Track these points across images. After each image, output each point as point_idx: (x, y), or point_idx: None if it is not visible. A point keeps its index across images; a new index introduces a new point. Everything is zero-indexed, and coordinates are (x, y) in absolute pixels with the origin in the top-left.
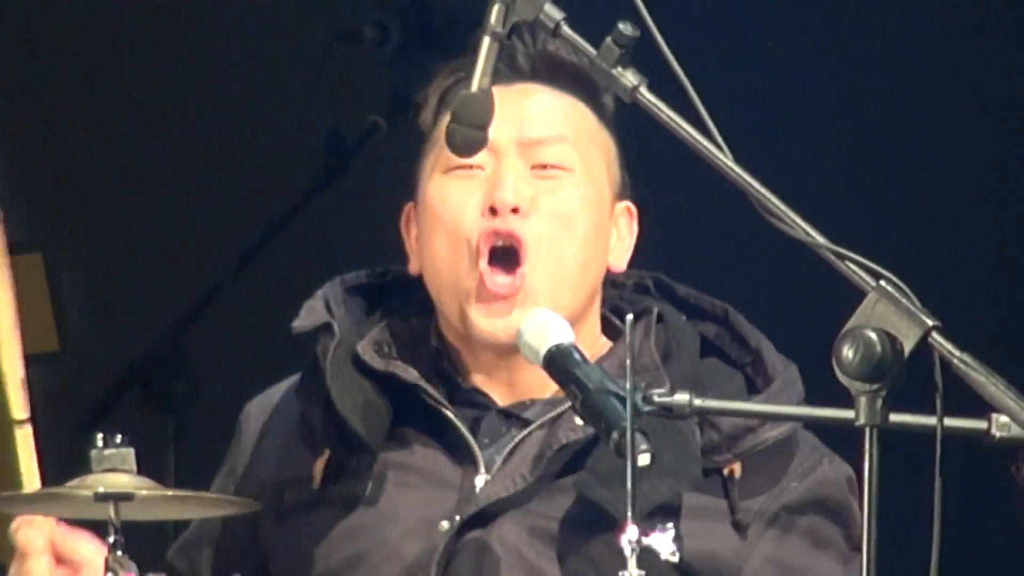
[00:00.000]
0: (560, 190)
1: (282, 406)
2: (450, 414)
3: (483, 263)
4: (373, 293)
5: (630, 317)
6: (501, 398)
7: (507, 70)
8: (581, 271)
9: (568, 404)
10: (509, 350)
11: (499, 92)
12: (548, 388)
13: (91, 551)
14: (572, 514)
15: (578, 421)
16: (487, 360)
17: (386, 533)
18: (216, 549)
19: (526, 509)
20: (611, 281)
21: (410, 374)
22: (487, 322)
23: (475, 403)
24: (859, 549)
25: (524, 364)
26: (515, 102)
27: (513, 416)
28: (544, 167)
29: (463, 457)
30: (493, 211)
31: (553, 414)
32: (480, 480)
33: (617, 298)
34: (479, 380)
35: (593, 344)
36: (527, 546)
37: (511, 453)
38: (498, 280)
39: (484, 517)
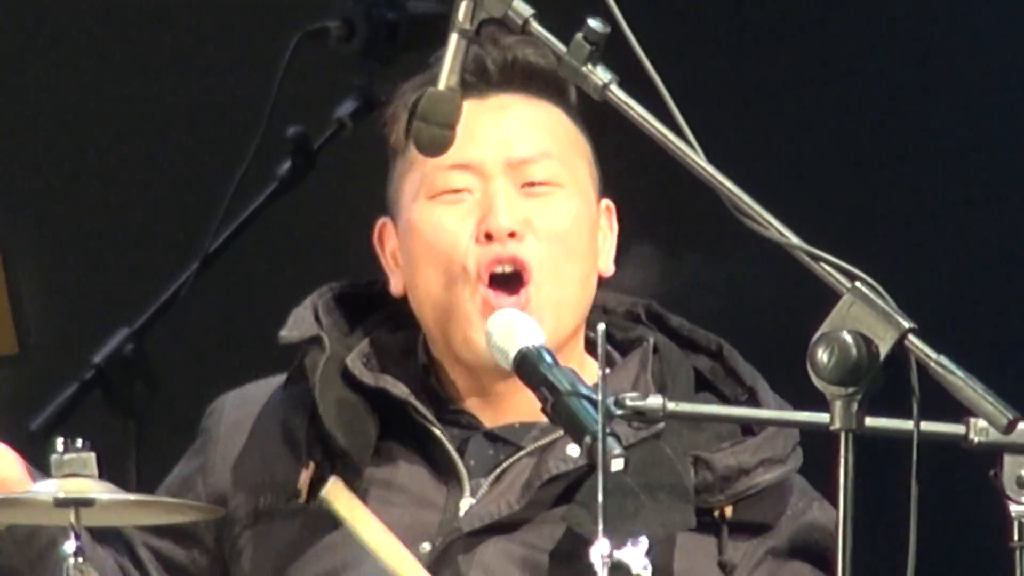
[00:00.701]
0: (553, 207)
1: (262, 409)
2: (438, 433)
3: (483, 288)
4: (361, 302)
5: (601, 327)
6: (488, 419)
7: (479, 81)
8: (582, 286)
9: (559, 432)
10: (508, 372)
11: (475, 107)
12: (535, 412)
13: (13, 470)
14: (561, 546)
15: (569, 451)
16: (481, 382)
17: (363, 550)
18: (179, 536)
19: (511, 536)
20: (601, 307)
21: (400, 389)
22: (484, 342)
23: (462, 423)
24: None
25: (517, 387)
26: (495, 119)
27: (500, 439)
28: (533, 184)
29: (448, 478)
30: (488, 236)
31: (544, 442)
32: (465, 503)
33: (609, 325)
34: (467, 400)
35: (579, 367)
36: (509, 573)
37: (499, 478)
38: (503, 301)
39: (467, 542)
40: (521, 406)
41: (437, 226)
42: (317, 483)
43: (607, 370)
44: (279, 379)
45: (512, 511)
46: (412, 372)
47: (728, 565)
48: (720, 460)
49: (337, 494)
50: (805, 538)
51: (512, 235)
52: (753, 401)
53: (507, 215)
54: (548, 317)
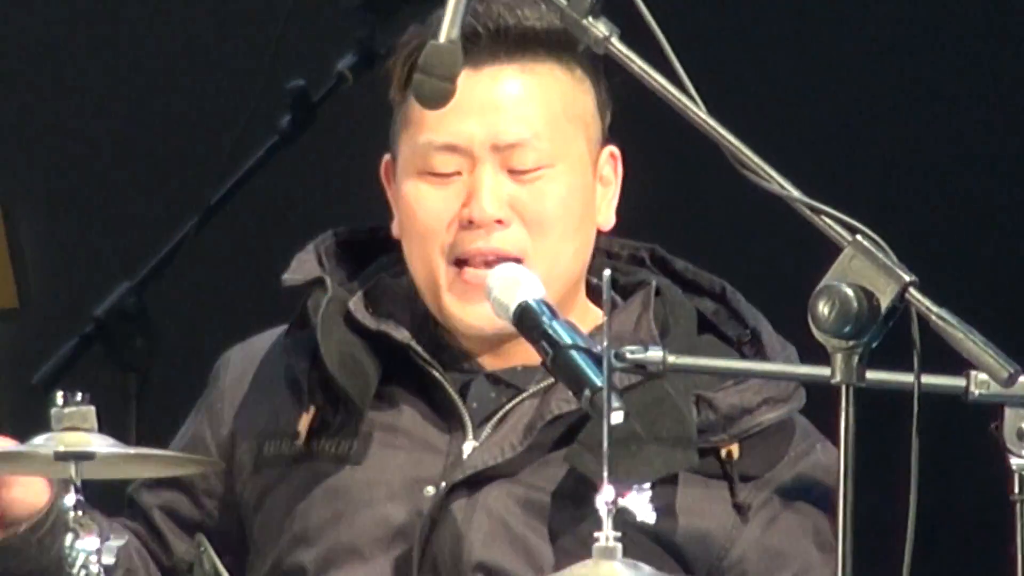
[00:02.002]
0: (541, 190)
1: (266, 357)
2: (440, 376)
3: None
4: (364, 248)
5: (607, 273)
6: (490, 363)
7: (473, 48)
8: (572, 260)
9: None
10: (492, 336)
11: (469, 79)
12: (536, 355)
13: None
14: (563, 487)
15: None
16: (474, 337)
17: (370, 494)
18: (190, 491)
19: (515, 479)
20: (605, 251)
21: (401, 334)
22: (470, 314)
23: (464, 367)
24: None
25: (512, 339)
26: (486, 95)
27: (502, 382)
28: (524, 172)
29: (451, 421)
30: (472, 222)
31: (546, 383)
32: (468, 446)
33: (612, 269)
34: (468, 344)
35: (582, 314)
36: (513, 516)
37: (501, 420)
38: (479, 272)
39: (471, 484)
40: (522, 350)
41: (422, 204)
42: (320, 427)
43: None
44: (283, 328)
45: (515, 453)
46: (415, 316)
47: (743, 507)
48: (723, 399)
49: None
50: (808, 480)
51: (499, 222)
52: (756, 342)
53: (492, 202)
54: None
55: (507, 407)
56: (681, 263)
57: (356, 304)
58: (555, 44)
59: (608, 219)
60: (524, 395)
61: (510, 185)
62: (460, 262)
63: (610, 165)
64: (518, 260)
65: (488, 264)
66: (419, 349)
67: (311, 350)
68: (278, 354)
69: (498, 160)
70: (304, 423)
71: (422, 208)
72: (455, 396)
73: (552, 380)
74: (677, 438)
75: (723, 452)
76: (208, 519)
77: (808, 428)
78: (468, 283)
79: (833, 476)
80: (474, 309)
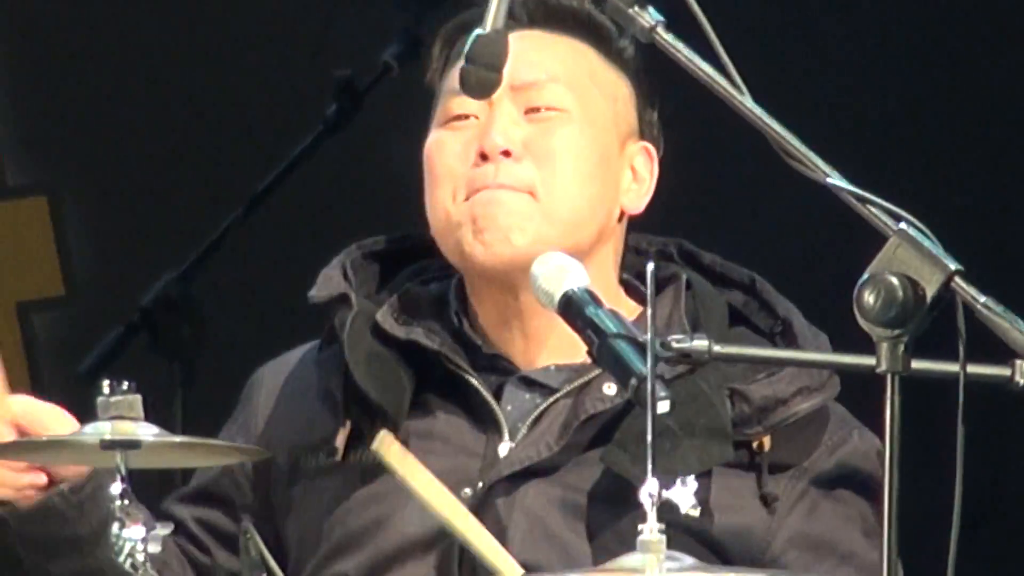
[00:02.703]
0: (555, 131)
1: (298, 371)
2: (473, 380)
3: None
4: (392, 258)
5: (651, 266)
6: (523, 362)
7: (508, 19)
8: (587, 208)
9: (596, 372)
10: (515, 285)
11: None
12: (569, 353)
13: (62, 428)
14: (599, 487)
15: (606, 390)
16: (502, 304)
17: (408, 499)
18: (224, 504)
19: (551, 479)
20: (634, 248)
21: (432, 340)
22: (475, 246)
23: (497, 368)
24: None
25: (549, 325)
26: (511, 48)
27: (536, 383)
28: (537, 110)
29: (487, 424)
30: (484, 156)
31: (580, 382)
32: (504, 448)
33: (641, 264)
34: (500, 343)
35: (614, 305)
36: (550, 516)
37: (536, 421)
38: (484, 195)
39: (508, 484)
40: (555, 346)
41: (441, 150)
42: (355, 442)
43: (639, 309)
44: (315, 343)
45: (550, 452)
46: (445, 322)
47: (769, 498)
48: (756, 391)
49: (388, 446)
50: (847, 467)
51: (506, 154)
52: (788, 333)
53: (502, 134)
54: (546, 228)
55: (542, 407)
56: (709, 256)
57: (384, 315)
58: (593, 29)
59: (635, 205)
60: (559, 395)
61: (524, 125)
62: (469, 199)
63: (644, 160)
64: (526, 194)
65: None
66: (451, 355)
67: (342, 366)
68: (312, 370)
69: (515, 101)
70: (341, 439)
71: (439, 152)
72: (490, 399)
73: (586, 379)
74: (712, 433)
75: (755, 444)
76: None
77: (844, 416)
78: (476, 210)
79: (872, 462)
80: (485, 237)
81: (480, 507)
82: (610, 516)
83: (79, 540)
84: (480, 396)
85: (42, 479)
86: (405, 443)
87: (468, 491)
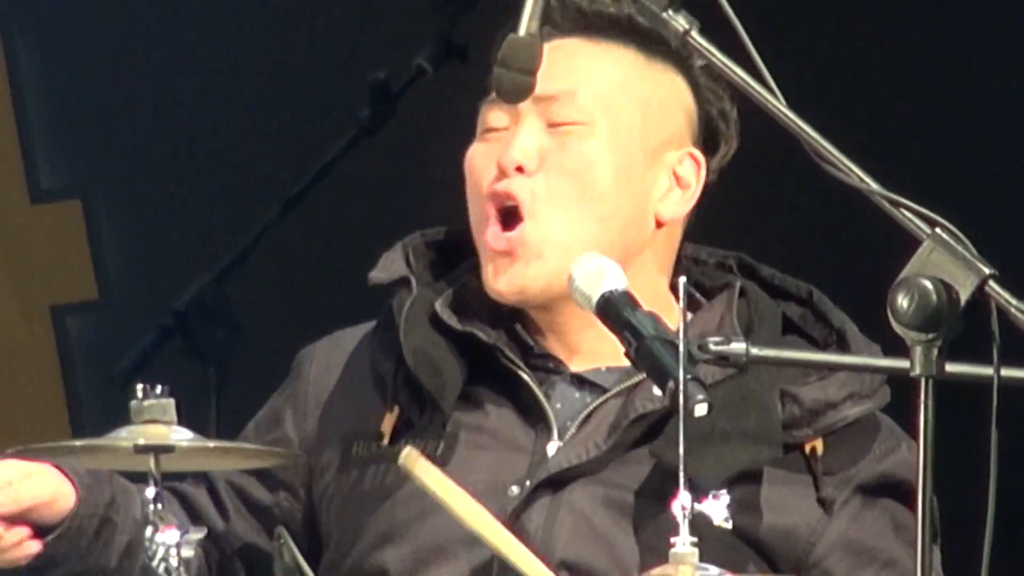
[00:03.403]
0: (572, 146)
1: (353, 354)
2: (526, 377)
3: (491, 223)
4: (453, 249)
5: (683, 279)
6: (574, 364)
7: (546, 26)
8: (600, 223)
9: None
10: (542, 307)
11: None
12: (618, 357)
13: (44, 491)
14: (646, 484)
15: (656, 391)
16: (548, 319)
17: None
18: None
19: (599, 478)
20: (693, 259)
21: (489, 334)
22: (492, 278)
23: (548, 367)
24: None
25: (598, 332)
26: (544, 60)
27: (587, 383)
28: (559, 124)
29: (536, 421)
30: (503, 172)
31: (630, 383)
32: (552, 446)
33: (699, 274)
34: (552, 344)
35: (662, 313)
36: (597, 515)
37: (585, 420)
38: (498, 239)
39: (555, 483)
40: (605, 350)
41: (473, 162)
42: (404, 428)
43: (690, 315)
44: (371, 325)
45: (599, 452)
46: (500, 317)
47: (827, 501)
48: (807, 394)
49: (414, 460)
50: (893, 476)
51: (519, 169)
52: (842, 342)
53: (519, 149)
54: (551, 253)
55: (592, 406)
56: (767, 270)
57: (442, 305)
58: (637, 32)
59: (674, 212)
60: (608, 394)
61: (545, 138)
62: (489, 216)
63: (691, 168)
64: (520, 211)
65: (506, 210)
66: (506, 350)
67: (397, 350)
68: (365, 351)
69: (540, 114)
70: (388, 423)
71: (472, 165)
72: (540, 396)
73: (636, 380)
74: (761, 433)
75: (807, 448)
76: (276, 507)
77: (893, 427)
78: (491, 248)
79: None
80: (498, 276)
81: (526, 505)
82: (656, 514)
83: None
84: (531, 392)
85: (24, 532)
86: (455, 436)
87: (516, 489)
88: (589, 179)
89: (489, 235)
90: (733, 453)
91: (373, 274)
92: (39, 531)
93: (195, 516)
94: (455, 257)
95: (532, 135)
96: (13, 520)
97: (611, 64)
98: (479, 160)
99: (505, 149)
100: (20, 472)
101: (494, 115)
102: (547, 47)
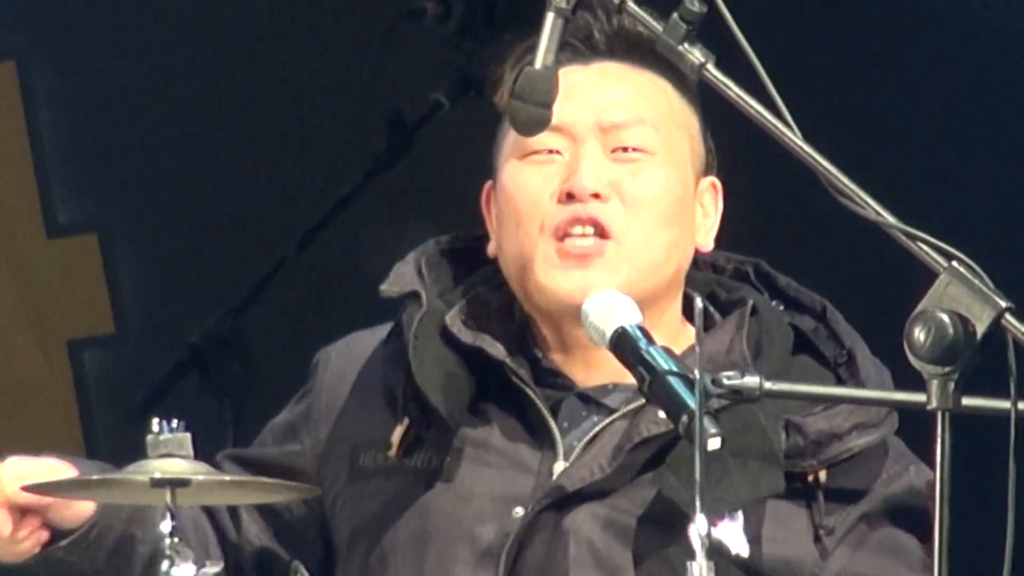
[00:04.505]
0: (641, 173)
1: (365, 361)
2: (533, 395)
3: (557, 242)
4: (467, 256)
5: (699, 303)
6: (581, 379)
7: (584, 48)
8: (665, 254)
9: None
10: (563, 322)
11: (577, 71)
12: (626, 374)
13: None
14: (650, 511)
15: (661, 414)
16: (572, 338)
17: (459, 513)
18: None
19: (603, 501)
20: (711, 264)
21: (497, 349)
22: (553, 281)
23: (555, 384)
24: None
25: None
26: (593, 84)
27: (593, 401)
28: (624, 150)
29: (542, 439)
30: (571, 196)
31: (636, 404)
32: (558, 466)
33: (715, 283)
34: (560, 359)
35: (675, 333)
36: (600, 539)
37: (591, 441)
38: (578, 243)
39: (559, 505)
40: (614, 365)
41: (523, 184)
42: (414, 441)
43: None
44: (383, 330)
45: (604, 474)
46: (510, 331)
47: (825, 530)
48: (812, 424)
49: None
50: (901, 502)
51: (596, 196)
52: (851, 364)
53: (591, 177)
54: (626, 273)
55: (598, 427)
56: (784, 280)
57: (452, 318)
58: (667, 60)
59: (706, 242)
60: (615, 416)
61: (611, 166)
62: (558, 236)
63: (711, 195)
64: (609, 233)
65: (584, 226)
66: (514, 366)
67: (407, 363)
68: (377, 361)
69: (601, 140)
70: (397, 435)
71: (521, 186)
72: (547, 414)
73: (643, 401)
74: (764, 463)
75: (809, 478)
76: (288, 513)
77: (902, 450)
78: (567, 252)
79: (924, 499)
80: (567, 275)
81: (530, 527)
82: (659, 541)
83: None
84: (537, 410)
85: (44, 536)
86: (460, 451)
87: (520, 510)
88: (662, 206)
89: (568, 244)
90: (734, 485)
91: (384, 287)
92: (56, 534)
93: (211, 519)
94: (470, 264)
95: (600, 163)
96: (27, 513)
97: (660, 92)
98: (533, 181)
99: (570, 175)
100: (42, 468)
101: (545, 137)
102: (589, 70)
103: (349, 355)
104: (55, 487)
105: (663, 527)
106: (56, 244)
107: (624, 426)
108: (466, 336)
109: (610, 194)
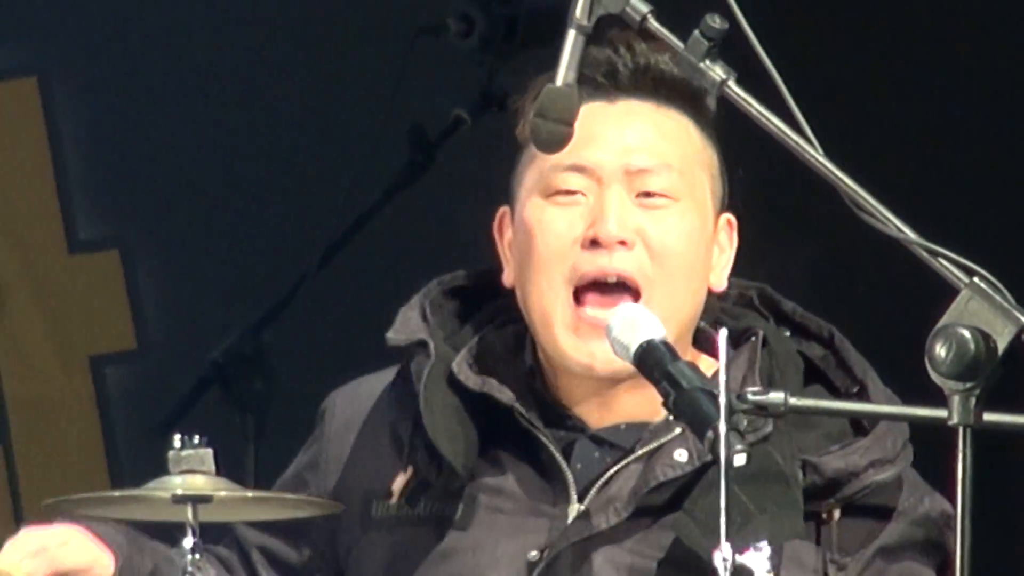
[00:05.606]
0: (666, 220)
1: (372, 407)
2: (545, 439)
3: (575, 306)
4: (471, 294)
5: (724, 332)
6: (594, 421)
7: (609, 84)
8: (690, 301)
9: (667, 437)
10: (604, 378)
11: (602, 110)
12: (638, 412)
13: (81, 558)
14: (670, 554)
15: (677, 456)
16: (583, 384)
17: (475, 561)
18: (291, 538)
19: (620, 545)
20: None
21: (505, 395)
22: (576, 351)
23: (567, 425)
24: None
25: (621, 389)
26: (619, 125)
27: (606, 443)
28: (649, 195)
29: (555, 484)
30: (595, 243)
31: (651, 447)
32: (573, 510)
33: (719, 310)
34: (572, 401)
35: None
36: None
37: (606, 484)
38: (599, 315)
39: (576, 550)
40: (626, 407)
41: (546, 226)
42: (419, 488)
43: (713, 366)
44: (390, 374)
45: (620, 519)
46: (518, 373)
47: (837, 565)
48: (829, 463)
49: None
50: (916, 533)
51: (622, 243)
52: (864, 395)
53: (617, 223)
54: None
55: (612, 471)
56: (789, 305)
57: (460, 364)
58: (689, 97)
59: (720, 281)
60: (629, 459)
61: (636, 212)
62: (579, 296)
63: (726, 232)
64: (637, 287)
65: (606, 294)
66: (523, 411)
67: (414, 410)
68: (383, 407)
69: (626, 184)
70: (399, 483)
71: (545, 228)
72: (559, 458)
73: (657, 443)
74: (784, 507)
75: (824, 514)
76: (303, 567)
77: (916, 481)
78: (585, 322)
79: (939, 528)
80: (588, 346)
81: (548, 571)
82: None
83: None
84: (550, 454)
85: None
86: (474, 498)
87: (535, 554)
88: (684, 256)
89: (587, 310)
90: (755, 530)
91: (390, 335)
92: None
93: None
94: (473, 301)
95: (625, 208)
96: None
97: (684, 133)
98: (557, 225)
99: (596, 220)
100: (57, 538)
101: (568, 177)
102: (615, 109)
103: (356, 401)
104: (78, 502)
105: (682, 569)
106: (78, 260)
107: (639, 469)
108: (474, 383)
109: (635, 240)
